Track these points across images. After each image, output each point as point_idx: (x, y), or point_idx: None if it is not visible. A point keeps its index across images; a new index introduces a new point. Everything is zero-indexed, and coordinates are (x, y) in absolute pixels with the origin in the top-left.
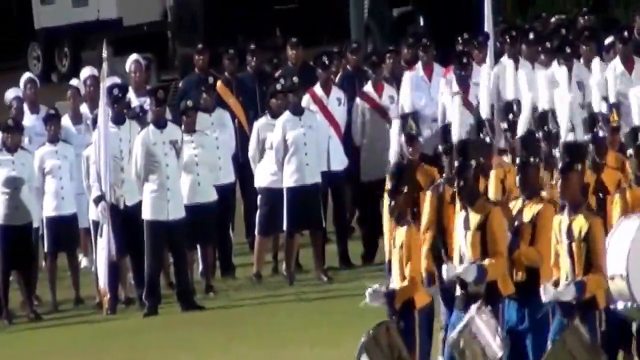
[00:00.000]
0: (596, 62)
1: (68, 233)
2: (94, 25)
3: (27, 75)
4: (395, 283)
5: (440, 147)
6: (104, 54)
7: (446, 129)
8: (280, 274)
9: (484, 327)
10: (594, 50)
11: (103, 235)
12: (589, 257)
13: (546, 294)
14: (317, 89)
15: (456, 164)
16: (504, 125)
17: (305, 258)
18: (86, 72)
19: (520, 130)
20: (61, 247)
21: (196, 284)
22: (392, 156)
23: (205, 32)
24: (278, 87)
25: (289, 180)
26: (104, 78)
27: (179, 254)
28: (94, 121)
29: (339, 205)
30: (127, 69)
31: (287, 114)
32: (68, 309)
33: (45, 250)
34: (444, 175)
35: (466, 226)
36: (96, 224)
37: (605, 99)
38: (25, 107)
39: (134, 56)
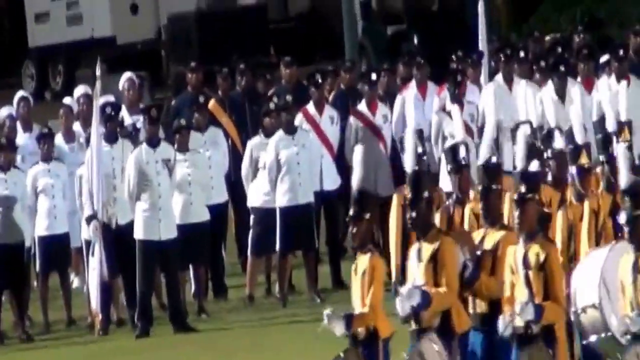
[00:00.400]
0: (603, 80)
1: (60, 252)
2: (88, 43)
3: (20, 93)
4: (356, 309)
5: (448, 167)
6: (98, 72)
7: (454, 149)
8: (273, 296)
9: (431, 352)
10: (592, 69)
11: (95, 255)
12: (547, 286)
13: (503, 324)
14: (310, 107)
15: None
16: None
17: (298, 279)
18: (80, 90)
19: (482, 155)
20: (53, 267)
21: (188, 305)
22: (409, 167)
23: (199, 50)
24: (271, 106)
25: (281, 200)
26: (97, 96)
27: (171, 274)
28: (87, 139)
29: (332, 225)
30: (121, 87)
31: (280, 133)
32: (60, 329)
33: (37, 269)
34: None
35: (419, 257)
36: (88, 243)
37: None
38: (19, 125)
39: (127, 74)
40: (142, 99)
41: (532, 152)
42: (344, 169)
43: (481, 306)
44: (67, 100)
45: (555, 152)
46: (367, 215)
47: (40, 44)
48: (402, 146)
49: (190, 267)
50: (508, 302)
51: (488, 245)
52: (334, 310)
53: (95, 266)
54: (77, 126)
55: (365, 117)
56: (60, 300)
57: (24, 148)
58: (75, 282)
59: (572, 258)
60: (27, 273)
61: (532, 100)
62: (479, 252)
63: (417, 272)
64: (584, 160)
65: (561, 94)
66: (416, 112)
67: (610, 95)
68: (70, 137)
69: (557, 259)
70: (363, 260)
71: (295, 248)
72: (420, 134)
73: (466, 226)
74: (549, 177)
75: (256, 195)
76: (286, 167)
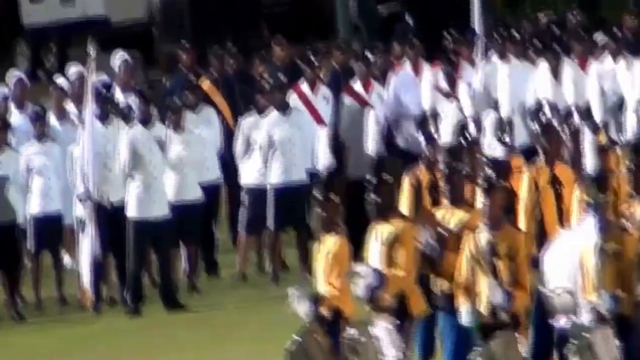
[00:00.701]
0: (622, 63)
1: (53, 231)
2: (81, 23)
3: (15, 73)
4: (319, 289)
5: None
6: (91, 52)
7: (463, 126)
8: (265, 273)
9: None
10: (588, 49)
11: (87, 233)
12: (514, 275)
13: (466, 315)
14: (304, 86)
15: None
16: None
17: (290, 256)
18: (73, 69)
19: (445, 136)
20: (46, 246)
21: (180, 283)
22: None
23: (192, 30)
24: (265, 85)
25: (274, 178)
26: (91, 75)
27: (163, 252)
28: (81, 119)
29: None
30: (115, 67)
31: (274, 113)
32: (52, 308)
33: (30, 248)
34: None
35: (378, 240)
36: (81, 222)
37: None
38: (12, 104)
39: (121, 54)
40: (135, 79)
41: (501, 139)
42: (337, 148)
43: (445, 286)
44: (59, 79)
45: (573, 131)
46: (335, 197)
47: (34, 23)
48: (398, 125)
49: (182, 245)
50: (464, 289)
51: (452, 225)
52: (300, 290)
53: (87, 245)
54: (70, 105)
55: (359, 96)
56: (53, 279)
57: (17, 127)
58: (67, 261)
59: None
60: (20, 252)
61: (527, 80)
62: (444, 233)
63: (374, 254)
64: (602, 138)
65: (556, 73)
66: (410, 91)
67: (607, 75)
68: (62, 116)
69: (523, 247)
70: (329, 241)
71: (288, 226)
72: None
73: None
74: (566, 156)
75: (249, 173)
76: (279, 146)
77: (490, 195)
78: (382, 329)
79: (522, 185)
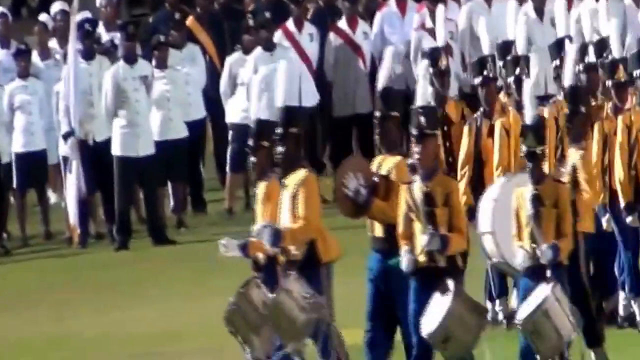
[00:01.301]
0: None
1: (38, 169)
2: None
3: None
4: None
5: (476, 81)
6: None
7: (482, 62)
8: (252, 209)
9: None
10: None
11: (72, 171)
12: (451, 220)
13: (405, 260)
14: (290, 24)
15: (280, 130)
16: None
17: None
18: (56, 6)
19: (381, 81)
20: (31, 183)
21: (167, 220)
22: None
23: None
24: (250, 23)
25: (260, 115)
26: (75, 13)
27: (149, 189)
28: (64, 56)
29: (311, 141)
30: (98, 3)
31: (259, 50)
32: (38, 243)
33: (15, 186)
34: (480, 108)
35: (285, 191)
36: (66, 160)
37: None
38: None
39: None
40: (120, 16)
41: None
42: (323, 85)
43: (378, 230)
44: (42, 17)
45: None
46: (266, 144)
47: None
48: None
49: (169, 182)
50: (404, 237)
51: (383, 171)
52: (228, 240)
53: (73, 182)
54: (53, 43)
55: (345, 34)
56: (38, 216)
57: (0, 65)
58: (52, 198)
59: (606, 170)
60: (5, 189)
61: (513, 17)
62: (375, 178)
63: (284, 207)
64: (620, 74)
65: (540, 12)
66: (395, 30)
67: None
68: (45, 54)
69: (458, 194)
70: (262, 187)
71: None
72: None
73: (497, 140)
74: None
75: (235, 111)
76: (265, 84)
77: (423, 143)
78: (291, 281)
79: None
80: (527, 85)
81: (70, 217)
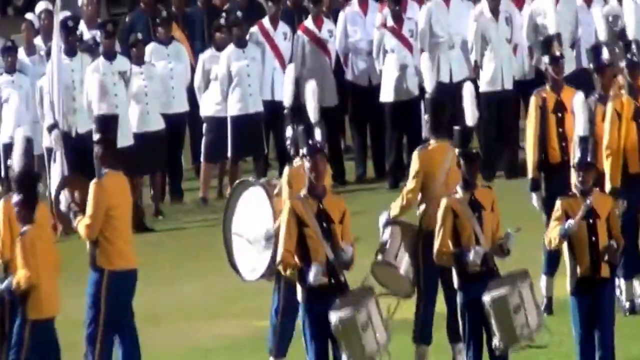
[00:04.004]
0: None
1: None
2: None
3: None
4: None
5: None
6: None
7: (597, 49)
8: (225, 198)
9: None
10: None
11: (56, 162)
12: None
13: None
14: (265, 22)
15: None
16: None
17: None
18: (41, 6)
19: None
20: None
21: (146, 208)
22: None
23: None
24: (222, 21)
25: (232, 109)
26: (58, 12)
27: (128, 179)
28: (48, 53)
29: (281, 133)
30: (80, 3)
31: (231, 47)
32: None
33: (2, 175)
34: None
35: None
36: (50, 151)
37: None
38: None
39: None
40: (100, 15)
41: None
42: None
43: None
44: (29, 15)
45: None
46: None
47: None
48: (346, 60)
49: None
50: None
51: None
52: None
53: (57, 172)
54: (38, 40)
55: (312, 32)
56: None
57: None
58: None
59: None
60: None
61: (467, 16)
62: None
63: None
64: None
65: (495, 12)
66: (358, 28)
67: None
68: (31, 50)
69: (346, 210)
70: None
71: (246, 154)
72: (559, 38)
73: (607, 122)
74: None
75: (208, 105)
76: (237, 79)
77: (319, 162)
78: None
79: None
80: (467, 87)
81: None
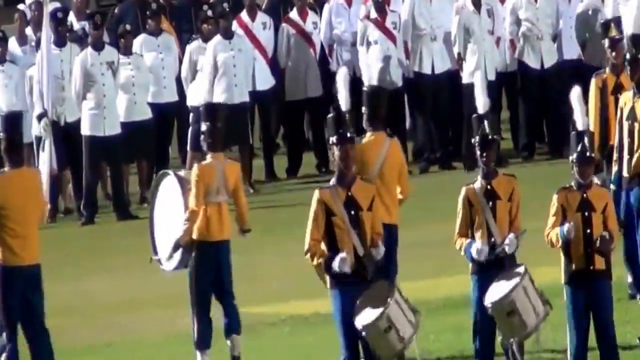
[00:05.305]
0: None
1: None
2: None
3: None
4: None
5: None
6: None
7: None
8: None
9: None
10: None
11: (45, 150)
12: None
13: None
14: (244, 14)
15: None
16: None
17: None
18: None
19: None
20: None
21: (132, 196)
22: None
23: None
24: (208, 13)
25: (218, 99)
26: (47, 3)
27: (115, 167)
28: (37, 43)
29: (265, 122)
30: None
31: (217, 38)
32: None
33: None
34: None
35: None
36: (39, 139)
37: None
38: None
39: None
40: (89, 6)
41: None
42: (277, 71)
43: None
44: (20, 6)
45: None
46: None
47: None
48: (331, 51)
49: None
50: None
51: None
52: None
53: (45, 160)
54: (29, 30)
55: (297, 24)
56: None
57: None
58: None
59: None
60: None
61: (450, 9)
62: None
63: None
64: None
65: (477, 5)
66: (342, 20)
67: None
68: (23, 40)
69: (376, 197)
70: None
71: (231, 144)
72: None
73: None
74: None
75: (195, 94)
76: (223, 69)
77: (346, 150)
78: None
79: None
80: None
81: (43, 193)
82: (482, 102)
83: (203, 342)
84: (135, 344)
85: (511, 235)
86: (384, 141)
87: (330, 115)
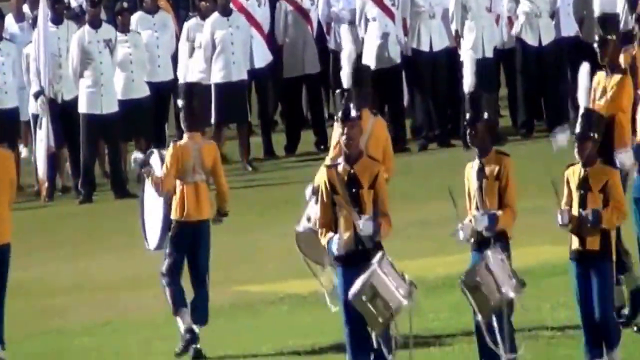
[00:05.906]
0: None
1: (10, 125)
2: None
3: None
4: None
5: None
6: None
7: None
8: None
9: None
10: None
11: (42, 128)
12: (377, 203)
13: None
14: None
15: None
16: None
17: (232, 149)
18: None
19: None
20: (3, 139)
21: (130, 174)
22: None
23: None
24: None
25: (216, 76)
26: None
27: (113, 145)
28: (34, 21)
29: (263, 100)
30: None
31: (215, 15)
32: None
33: None
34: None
35: None
36: (36, 117)
37: None
38: None
39: None
40: None
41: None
42: (274, 48)
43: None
44: None
45: None
46: None
47: None
48: (329, 28)
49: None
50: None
51: None
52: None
53: (42, 138)
54: (26, 8)
55: (294, 1)
56: None
57: None
58: (23, 152)
59: None
60: None
61: None
62: None
63: None
64: None
65: None
66: None
67: None
68: (20, 18)
69: (383, 175)
70: None
71: (229, 121)
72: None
73: None
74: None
75: (192, 72)
76: (221, 46)
77: (348, 128)
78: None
79: None
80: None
81: (40, 171)
82: (468, 82)
83: (176, 304)
84: (135, 323)
85: (477, 214)
86: (369, 118)
87: (337, 91)
